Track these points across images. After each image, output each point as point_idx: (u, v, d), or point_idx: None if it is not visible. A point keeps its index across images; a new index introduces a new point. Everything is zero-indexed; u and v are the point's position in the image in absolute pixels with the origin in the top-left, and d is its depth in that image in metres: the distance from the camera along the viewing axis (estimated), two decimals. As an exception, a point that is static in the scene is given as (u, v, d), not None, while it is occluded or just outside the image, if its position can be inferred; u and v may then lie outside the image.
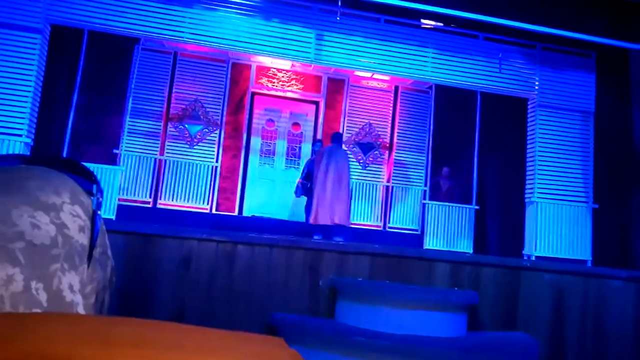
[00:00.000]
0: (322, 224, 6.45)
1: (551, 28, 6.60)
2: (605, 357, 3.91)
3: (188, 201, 7.74)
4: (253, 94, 8.39)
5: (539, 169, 7.24)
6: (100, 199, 0.61)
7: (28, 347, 0.34)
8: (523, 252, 7.29)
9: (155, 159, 7.76)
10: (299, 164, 8.49)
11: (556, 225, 7.14)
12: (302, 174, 7.26)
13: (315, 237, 6.41)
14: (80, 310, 0.52)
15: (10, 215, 0.48)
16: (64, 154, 6.78)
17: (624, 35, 6.70)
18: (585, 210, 7.23)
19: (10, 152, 5.95)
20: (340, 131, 8.31)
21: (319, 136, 8.48)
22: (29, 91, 6.13)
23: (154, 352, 0.36)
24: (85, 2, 6.33)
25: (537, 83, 7.41)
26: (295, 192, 7.25)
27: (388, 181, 8.51)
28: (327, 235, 6.48)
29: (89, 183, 0.60)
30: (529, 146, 7.48)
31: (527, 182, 7.43)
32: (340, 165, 6.57)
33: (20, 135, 6.06)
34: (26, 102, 6.11)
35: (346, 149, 7.34)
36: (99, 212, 0.59)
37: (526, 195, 7.42)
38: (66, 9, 6.31)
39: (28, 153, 6.11)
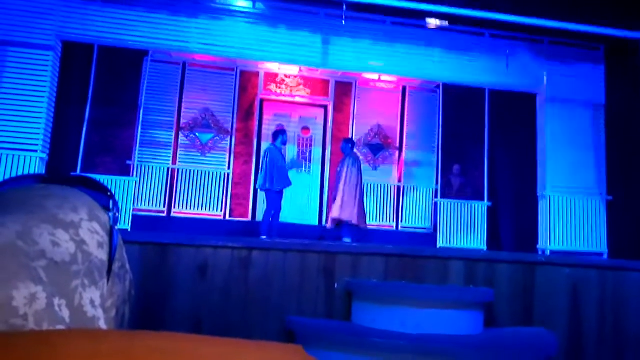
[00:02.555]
0: (363, 227, 6.96)
1: (558, 22, 6.57)
2: (624, 350, 3.89)
3: (202, 209, 7.82)
4: (262, 100, 8.46)
5: (550, 163, 7.20)
6: (117, 214, 0.61)
7: None
8: (537, 246, 7.25)
9: (168, 168, 7.85)
10: (309, 167, 8.53)
11: (570, 219, 7.10)
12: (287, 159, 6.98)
13: (346, 239, 6.66)
14: (102, 324, 0.52)
15: (31, 234, 0.49)
16: (79, 167, 6.88)
17: (633, 25, 6.65)
18: (599, 202, 7.18)
19: (27, 167, 6.07)
20: (350, 133, 8.35)
21: (328, 139, 8.52)
22: (43, 107, 6.25)
23: None
24: (94, 18, 6.45)
25: (545, 77, 7.38)
26: (286, 183, 6.78)
27: (399, 181, 8.51)
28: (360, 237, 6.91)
29: (105, 199, 0.61)
30: (539, 140, 7.44)
31: (539, 176, 7.39)
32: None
33: (35, 151, 6.17)
34: (40, 118, 6.23)
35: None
36: (116, 227, 0.60)
37: (538, 190, 7.38)
38: (76, 25, 6.44)
39: (44, 168, 6.22)
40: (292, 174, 7.06)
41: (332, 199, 7.19)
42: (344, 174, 6.89)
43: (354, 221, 6.80)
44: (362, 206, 6.94)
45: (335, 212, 6.78)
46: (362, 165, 7.22)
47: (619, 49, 7.22)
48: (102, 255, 0.55)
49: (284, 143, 7.03)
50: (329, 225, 7.03)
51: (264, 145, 8.38)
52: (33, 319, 0.44)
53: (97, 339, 0.41)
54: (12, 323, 0.43)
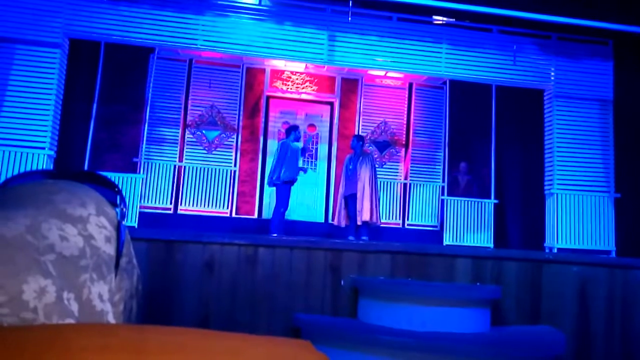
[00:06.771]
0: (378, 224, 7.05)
1: (565, 17, 6.51)
2: (634, 348, 3.86)
3: (208, 206, 7.83)
4: (268, 97, 8.45)
5: (557, 160, 7.16)
6: (124, 210, 0.62)
7: (64, 357, 0.36)
8: (545, 244, 7.21)
9: (175, 165, 7.87)
10: (316, 165, 8.52)
11: (578, 216, 7.06)
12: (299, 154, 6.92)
13: (365, 238, 6.68)
14: (110, 318, 0.53)
15: (40, 229, 0.49)
16: (86, 165, 6.91)
17: (641, 20, 6.59)
18: (607, 200, 7.13)
19: (35, 164, 6.10)
20: (356, 130, 8.34)
21: (334, 137, 8.51)
22: (50, 104, 6.28)
23: (183, 357, 0.38)
24: (101, 15, 6.48)
25: (553, 73, 7.33)
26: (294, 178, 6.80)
27: (405, 178, 8.49)
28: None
29: (112, 194, 0.62)
30: (546, 137, 7.40)
31: (547, 173, 7.35)
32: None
33: (43, 148, 6.20)
34: (48, 115, 6.26)
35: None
36: (123, 223, 0.60)
37: (546, 187, 7.34)
38: (83, 23, 6.46)
39: (51, 165, 6.26)
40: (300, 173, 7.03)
41: (340, 196, 7.16)
42: (363, 176, 6.82)
43: (376, 221, 6.89)
44: (379, 204, 7.04)
45: (366, 216, 6.75)
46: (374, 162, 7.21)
47: (628, 44, 7.15)
48: (110, 249, 0.56)
49: (297, 139, 6.98)
50: (343, 223, 7.03)
51: (270, 143, 8.41)
52: (43, 312, 0.44)
53: (107, 333, 0.41)
54: (23, 316, 0.43)
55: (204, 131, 8.07)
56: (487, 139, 7.83)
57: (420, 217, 8.35)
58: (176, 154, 7.93)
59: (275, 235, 6.25)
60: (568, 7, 6.59)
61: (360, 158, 6.97)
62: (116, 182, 0.64)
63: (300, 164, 6.99)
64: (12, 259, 0.45)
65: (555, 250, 6.82)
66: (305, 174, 7.23)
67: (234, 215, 7.96)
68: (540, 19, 6.54)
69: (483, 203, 7.75)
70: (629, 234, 6.95)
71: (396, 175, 8.53)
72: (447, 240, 7.58)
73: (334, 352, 3.00)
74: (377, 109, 8.55)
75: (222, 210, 7.88)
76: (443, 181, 8.19)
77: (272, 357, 0.41)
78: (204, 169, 7.93)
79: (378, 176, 7.31)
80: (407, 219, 8.34)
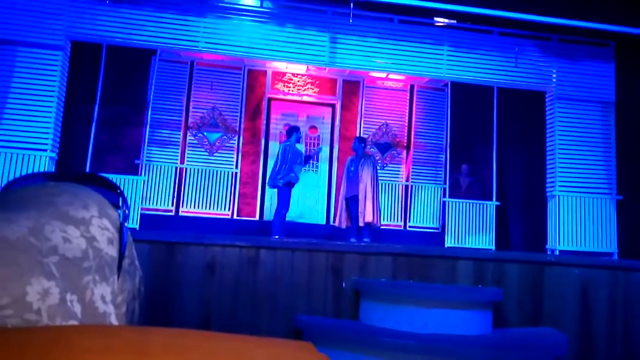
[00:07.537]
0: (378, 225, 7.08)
1: (567, 19, 6.51)
2: (635, 350, 3.85)
3: (209, 208, 7.83)
4: (269, 99, 8.46)
5: (559, 162, 7.16)
6: (127, 212, 0.62)
7: (67, 359, 0.36)
8: (546, 246, 7.20)
9: (176, 167, 7.87)
10: (317, 166, 8.52)
11: (579, 219, 7.05)
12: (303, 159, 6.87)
13: (367, 239, 6.70)
14: (113, 320, 0.53)
15: (43, 231, 0.49)
16: (88, 167, 6.91)
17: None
18: (609, 201, 7.12)
19: (36, 167, 6.11)
20: (358, 132, 8.34)
21: (335, 138, 8.51)
22: (52, 107, 6.29)
23: (185, 359, 0.38)
24: (103, 17, 6.49)
25: (554, 75, 7.33)
26: (294, 177, 6.71)
27: (407, 180, 8.48)
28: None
29: (114, 196, 0.62)
30: (548, 139, 7.39)
31: (548, 175, 7.34)
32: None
33: (45, 150, 6.21)
34: (50, 117, 6.27)
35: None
36: (125, 224, 0.61)
37: (547, 189, 7.33)
38: (85, 25, 6.48)
39: (53, 167, 6.26)
40: (301, 174, 7.02)
41: (341, 197, 7.17)
42: (364, 177, 6.84)
43: (377, 222, 6.90)
44: (380, 206, 7.06)
45: (368, 217, 6.78)
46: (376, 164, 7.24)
47: (630, 45, 7.14)
48: (112, 251, 0.56)
49: (298, 140, 6.96)
50: (344, 225, 7.03)
51: (271, 145, 8.40)
52: (46, 314, 0.45)
53: (110, 334, 0.41)
54: (27, 318, 0.43)
55: (205, 133, 8.07)
56: (489, 141, 7.82)
57: (422, 219, 8.34)
58: (178, 155, 7.93)
59: (276, 237, 6.24)
60: (569, 9, 6.59)
61: (362, 160, 6.98)
62: (118, 184, 0.65)
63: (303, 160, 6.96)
64: (16, 261, 0.45)
65: (557, 253, 6.81)
66: (311, 161, 7.23)
67: (235, 217, 7.96)
68: (542, 20, 6.54)
69: (485, 205, 7.74)
70: (631, 236, 6.93)
71: (398, 177, 8.52)
72: (449, 242, 7.56)
73: (336, 353, 3.00)
74: (378, 110, 8.55)
75: (224, 212, 7.88)
76: (445, 183, 8.17)
77: (273, 359, 0.41)
78: (206, 170, 7.93)
79: (379, 178, 7.30)
80: (409, 221, 8.33)
